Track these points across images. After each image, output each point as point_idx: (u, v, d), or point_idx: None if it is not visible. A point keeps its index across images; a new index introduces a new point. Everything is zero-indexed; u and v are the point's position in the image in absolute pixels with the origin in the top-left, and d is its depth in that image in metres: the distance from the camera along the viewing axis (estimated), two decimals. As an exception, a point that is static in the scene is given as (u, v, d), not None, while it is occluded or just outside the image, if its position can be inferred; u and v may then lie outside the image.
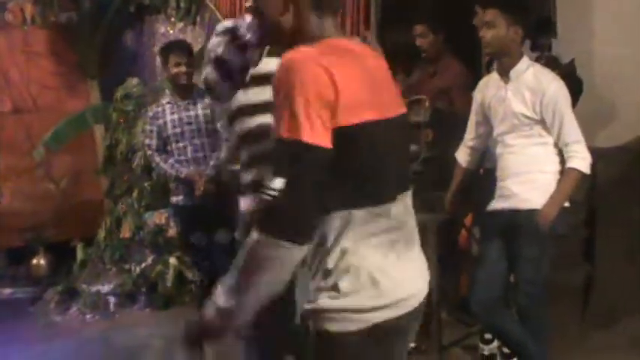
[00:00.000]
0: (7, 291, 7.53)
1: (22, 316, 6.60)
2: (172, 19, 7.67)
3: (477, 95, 3.96)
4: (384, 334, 1.87)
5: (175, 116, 5.01)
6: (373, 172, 1.86)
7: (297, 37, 1.92)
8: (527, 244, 3.57)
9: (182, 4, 7.28)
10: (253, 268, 1.77)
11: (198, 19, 7.37)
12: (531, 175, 3.62)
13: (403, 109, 2.03)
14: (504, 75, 3.73)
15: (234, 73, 2.90)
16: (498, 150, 3.79)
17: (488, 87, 3.86)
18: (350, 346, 1.85)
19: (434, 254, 4.37)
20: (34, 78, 7.94)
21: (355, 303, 1.83)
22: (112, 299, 6.24)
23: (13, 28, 7.89)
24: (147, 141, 5.14)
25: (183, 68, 5.03)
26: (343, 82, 1.77)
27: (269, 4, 1.96)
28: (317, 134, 1.72)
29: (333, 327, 1.84)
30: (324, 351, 1.87)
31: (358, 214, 1.84)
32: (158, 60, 7.60)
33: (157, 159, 5.03)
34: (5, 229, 7.69)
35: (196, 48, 6.10)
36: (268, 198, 1.73)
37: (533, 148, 3.65)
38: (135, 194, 6.45)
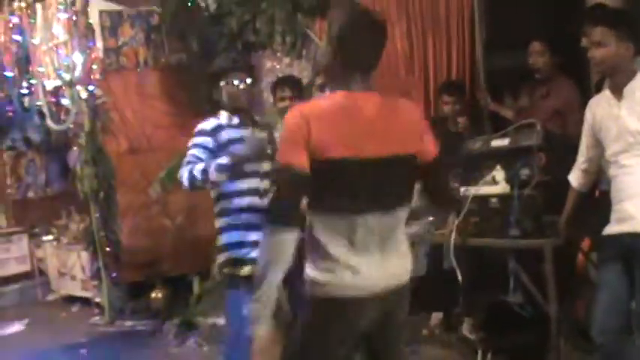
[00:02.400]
0: (128, 324, 7.77)
1: (141, 348, 6.80)
2: (278, 54, 7.81)
3: (588, 115, 3.86)
4: (341, 305, 2.71)
5: None
6: (342, 193, 2.66)
7: (324, 86, 2.92)
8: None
9: (288, 39, 7.39)
10: (269, 252, 2.67)
11: (303, 52, 7.48)
12: (650, 195, 3.50)
13: (399, 150, 2.73)
14: (617, 93, 3.63)
15: None
16: (612, 171, 3.68)
17: (600, 106, 3.76)
18: (318, 305, 2.74)
19: (551, 279, 4.28)
20: (147, 118, 8.18)
21: (322, 278, 2.71)
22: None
23: (128, 70, 8.19)
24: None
25: (287, 102, 5.12)
26: (318, 128, 2.60)
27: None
28: (292, 159, 2.62)
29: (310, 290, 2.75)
30: (308, 302, 2.78)
31: (333, 219, 2.70)
32: (266, 95, 7.76)
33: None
34: (125, 265, 7.93)
35: (303, 82, 6.20)
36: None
37: None
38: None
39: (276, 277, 2.68)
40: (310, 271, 2.76)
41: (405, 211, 2.83)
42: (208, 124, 4.10)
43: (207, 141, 4.02)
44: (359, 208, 2.68)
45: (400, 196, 2.80)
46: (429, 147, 2.86)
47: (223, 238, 4.08)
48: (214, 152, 3.99)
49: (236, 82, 4.11)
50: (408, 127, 2.78)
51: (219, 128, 4.07)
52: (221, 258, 4.12)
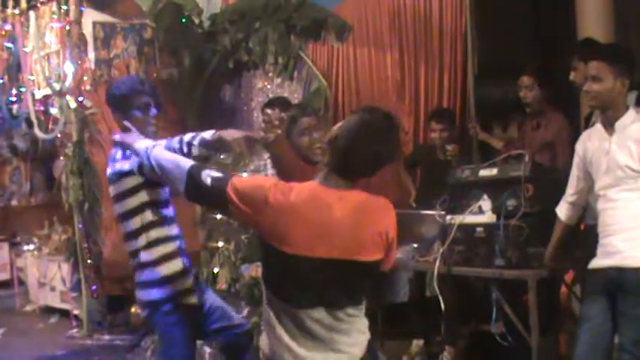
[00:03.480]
0: (106, 337, 7.71)
1: (119, 363, 6.75)
2: (270, 75, 7.83)
3: (579, 148, 3.89)
4: None
5: (276, 170, 5.09)
6: (290, 285, 2.64)
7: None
8: (634, 303, 3.44)
9: (280, 60, 7.40)
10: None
11: (295, 74, 7.50)
12: (638, 230, 3.51)
13: (355, 255, 2.63)
14: (609, 127, 3.66)
15: None
16: (600, 205, 3.70)
17: (591, 139, 3.79)
18: None
19: (534, 310, 4.28)
20: (136, 131, 8.15)
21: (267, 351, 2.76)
22: (206, 349, 6.29)
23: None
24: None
25: (274, 123, 5.13)
26: (280, 220, 2.59)
27: None
28: (235, 184, 2.65)
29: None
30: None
31: (280, 305, 2.68)
32: (256, 114, 7.76)
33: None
34: (106, 278, 7.89)
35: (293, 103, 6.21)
36: None
37: (638, 203, 3.55)
38: (232, 246, 6.53)
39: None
40: (262, 338, 2.82)
41: (358, 310, 2.74)
42: None
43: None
44: (304, 303, 2.64)
45: (350, 296, 2.70)
46: (388, 260, 2.79)
47: (162, 270, 3.67)
48: None
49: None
50: (373, 238, 2.68)
51: None
52: (157, 294, 3.65)
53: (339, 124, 2.75)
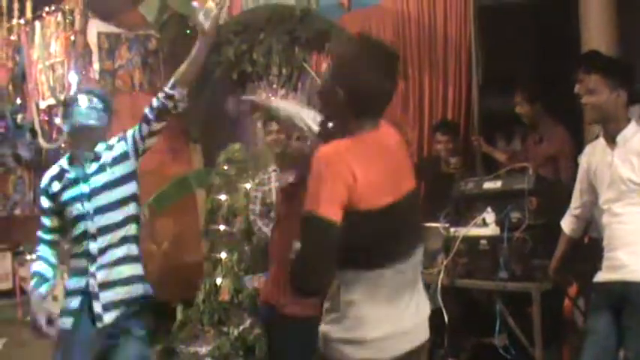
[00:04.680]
0: (107, 348, 7.66)
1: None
2: (274, 86, 7.83)
3: (583, 161, 3.89)
4: None
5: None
6: (377, 246, 2.36)
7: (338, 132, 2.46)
8: (637, 317, 3.44)
9: (284, 71, 7.41)
10: None
11: (299, 85, 7.50)
12: (641, 245, 3.51)
13: (413, 184, 2.49)
14: (610, 140, 3.66)
15: None
16: (605, 219, 3.68)
17: (595, 153, 3.78)
18: None
19: (538, 323, 4.27)
20: (139, 141, 8.16)
21: (347, 335, 2.40)
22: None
23: (122, 93, 8.18)
24: (251, 206, 5.24)
25: (275, 136, 5.13)
26: (362, 175, 2.27)
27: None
28: (329, 211, 2.23)
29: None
30: None
31: (357, 274, 2.38)
32: (259, 125, 7.76)
33: (260, 224, 5.12)
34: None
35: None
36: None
37: None
38: (235, 258, 6.53)
39: None
40: (338, 332, 2.45)
41: (422, 249, 2.59)
42: None
43: None
44: (387, 262, 2.41)
45: (420, 232, 2.60)
46: None
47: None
48: None
49: None
50: (406, 154, 2.62)
51: None
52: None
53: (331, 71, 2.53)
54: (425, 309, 2.60)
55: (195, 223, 7.83)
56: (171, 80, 3.60)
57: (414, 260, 2.50)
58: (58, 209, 3.70)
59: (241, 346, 6.22)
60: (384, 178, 2.36)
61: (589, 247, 4.29)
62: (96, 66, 7.93)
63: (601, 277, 3.66)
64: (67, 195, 3.64)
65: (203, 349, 6.38)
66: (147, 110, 3.64)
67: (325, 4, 7.82)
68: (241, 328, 6.25)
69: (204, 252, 7.30)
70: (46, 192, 3.74)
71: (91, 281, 3.62)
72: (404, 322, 2.45)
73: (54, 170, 3.77)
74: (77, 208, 3.61)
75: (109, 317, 3.60)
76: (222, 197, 6.65)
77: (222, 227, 6.62)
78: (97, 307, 3.61)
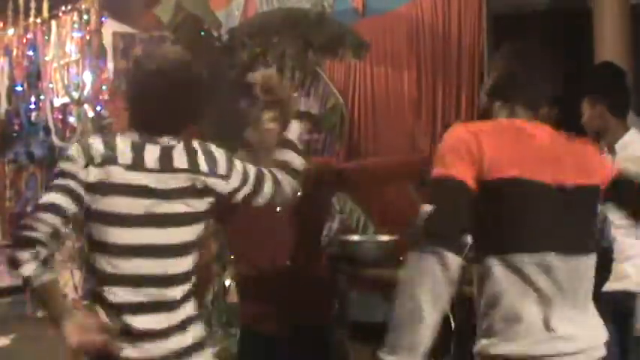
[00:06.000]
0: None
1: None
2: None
3: None
4: None
5: None
6: (517, 224, 2.13)
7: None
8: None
9: (296, 75, 7.43)
10: (413, 285, 2.03)
11: (312, 90, 7.53)
12: (646, 256, 3.52)
13: (582, 180, 2.23)
14: (611, 150, 3.69)
15: None
16: (612, 231, 3.71)
17: None
18: None
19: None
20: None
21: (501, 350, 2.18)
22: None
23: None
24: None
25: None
26: (489, 145, 2.12)
27: None
28: (457, 172, 2.09)
29: None
30: None
31: (511, 260, 2.12)
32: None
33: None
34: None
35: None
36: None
37: None
38: (243, 259, 6.54)
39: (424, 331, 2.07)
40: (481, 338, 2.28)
41: (593, 260, 2.30)
42: None
43: None
44: (540, 245, 2.14)
45: (586, 237, 2.28)
46: (608, 170, 2.43)
47: None
48: None
49: None
50: (587, 156, 2.35)
51: None
52: None
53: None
54: (597, 332, 2.33)
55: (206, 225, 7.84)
56: None
57: (573, 265, 2.19)
58: None
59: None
60: (515, 155, 2.16)
61: (599, 257, 4.29)
62: (110, 65, 7.99)
63: (607, 286, 3.67)
64: None
65: (211, 349, 6.39)
66: None
67: (340, 9, 7.86)
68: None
69: (214, 253, 7.31)
70: None
71: None
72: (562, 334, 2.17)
73: None
74: None
75: None
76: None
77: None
78: None
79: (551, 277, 2.14)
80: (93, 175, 2.43)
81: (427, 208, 2.08)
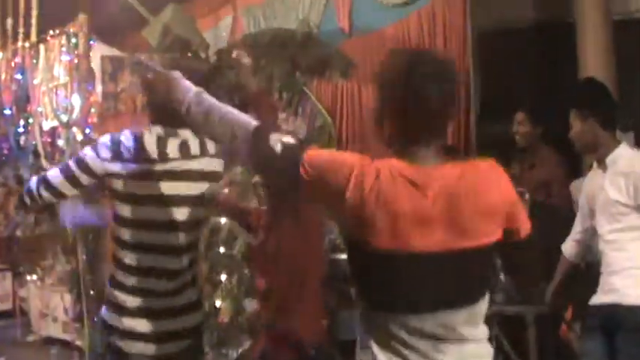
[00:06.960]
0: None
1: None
2: (275, 110, 7.88)
3: (585, 185, 3.96)
4: None
5: None
6: (389, 289, 2.12)
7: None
8: (628, 340, 3.48)
9: (284, 95, 7.47)
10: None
11: (300, 110, 7.56)
12: (635, 270, 3.55)
13: (471, 243, 2.11)
14: (602, 165, 3.73)
15: None
16: (600, 246, 3.75)
17: (593, 178, 3.86)
18: None
19: (533, 346, 4.30)
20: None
21: None
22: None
23: (125, 115, 8.23)
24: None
25: None
26: (375, 203, 2.08)
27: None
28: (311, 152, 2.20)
29: None
30: None
31: (378, 317, 2.16)
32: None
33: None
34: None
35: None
36: None
37: (636, 243, 3.58)
38: (234, 280, 6.54)
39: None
40: None
41: (481, 306, 2.22)
42: None
43: None
44: (411, 307, 2.12)
45: (470, 291, 2.19)
46: (518, 225, 2.30)
47: None
48: None
49: None
50: (488, 211, 2.16)
51: None
52: None
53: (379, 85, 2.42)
54: None
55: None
56: None
57: (447, 317, 2.14)
58: None
59: (240, 368, 6.23)
60: (397, 217, 2.08)
61: (585, 271, 4.32)
62: (99, 89, 7.99)
63: (594, 299, 3.70)
64: None
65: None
66: None
67: (326, 30, 7.92)
68: (240, 350, 6.26)
69: (204, 274, 7.31)
70: None
71: None
72: None
73: None
74: None
75: None
76: (222, 220, 6.67)
77: (222, 250, 6.64)
78: None
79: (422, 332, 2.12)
80: None
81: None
